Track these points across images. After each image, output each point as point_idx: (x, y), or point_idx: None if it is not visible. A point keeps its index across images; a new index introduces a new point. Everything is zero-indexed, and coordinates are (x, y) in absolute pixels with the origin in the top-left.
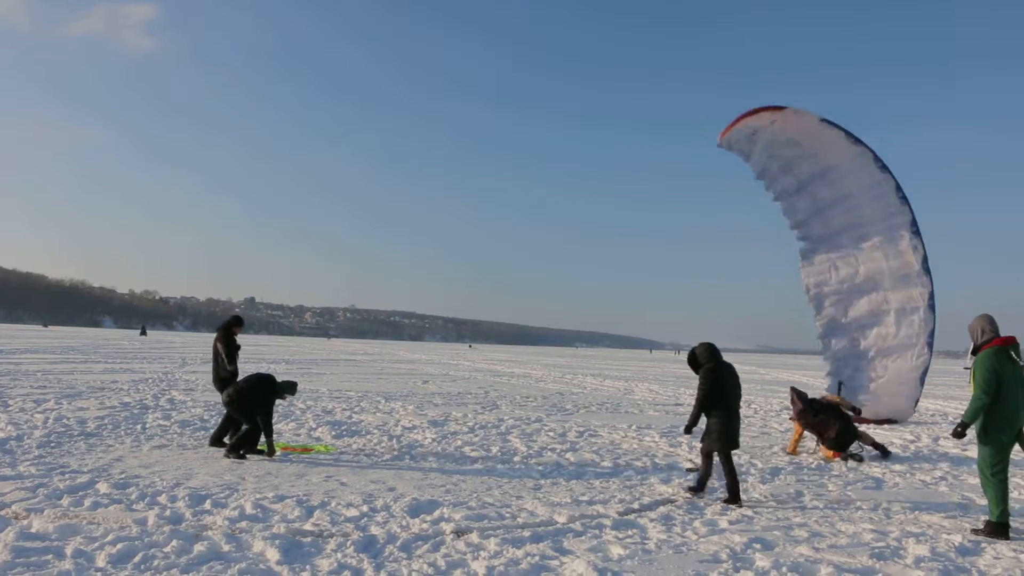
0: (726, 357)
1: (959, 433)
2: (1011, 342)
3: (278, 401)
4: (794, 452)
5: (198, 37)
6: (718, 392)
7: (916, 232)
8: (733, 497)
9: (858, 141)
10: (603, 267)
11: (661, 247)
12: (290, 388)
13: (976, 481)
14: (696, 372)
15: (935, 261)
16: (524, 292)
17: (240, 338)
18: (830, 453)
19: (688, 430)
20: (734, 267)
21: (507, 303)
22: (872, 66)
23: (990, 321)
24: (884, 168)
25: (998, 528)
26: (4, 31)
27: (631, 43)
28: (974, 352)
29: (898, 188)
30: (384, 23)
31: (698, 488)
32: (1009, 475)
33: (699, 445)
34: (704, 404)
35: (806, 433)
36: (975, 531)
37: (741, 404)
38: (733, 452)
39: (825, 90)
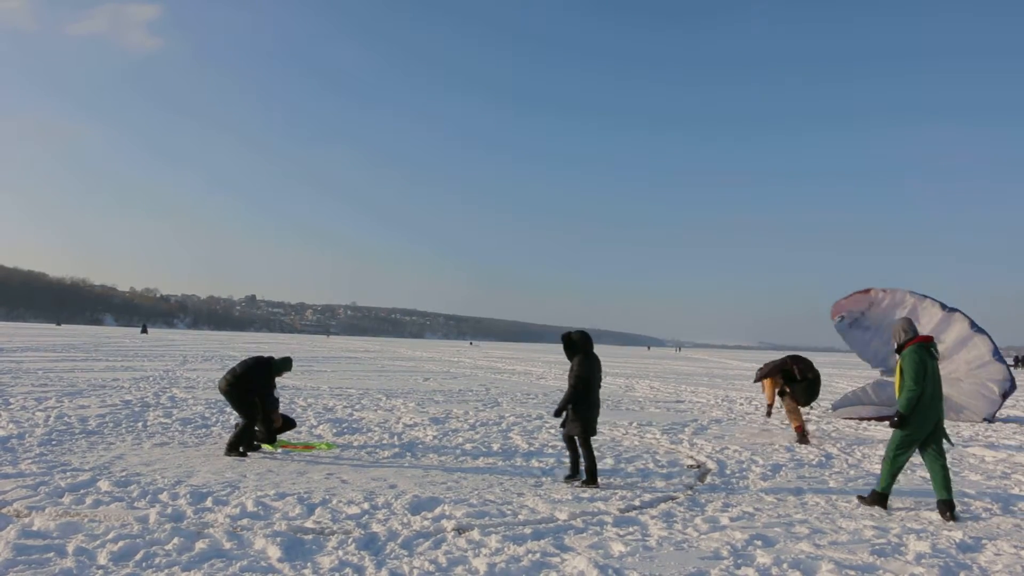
0: (727, 354)
1: (896, 423)
2: (930, 340)
3: (280, 396)
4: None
5: (200, 36)
6: (589, 380)
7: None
8: (591, 479)
9: (953, 309)
10: (605, 264)
11: (663, 244)
12: (287, 364)
13: (976, 478)
14: (570, 357)
15: (947, 261)
16: (525, 289)
17: (240, 335)
18: (796, 425)
19: (558, 414)
20: (735, 264)
21: (508, 300)
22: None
23: (910, 323)
24: (980, 330)
25: (880, 498)
26: (9, 32)
27: (631, 37)
28: (898, 351)
29: (995, 350)
30: (383, 19)
31: (572, 475)
32: (909, 461)
33: (700, 442)
34: (578, 390)
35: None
36: (860, 497)
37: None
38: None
39: (831, 84)
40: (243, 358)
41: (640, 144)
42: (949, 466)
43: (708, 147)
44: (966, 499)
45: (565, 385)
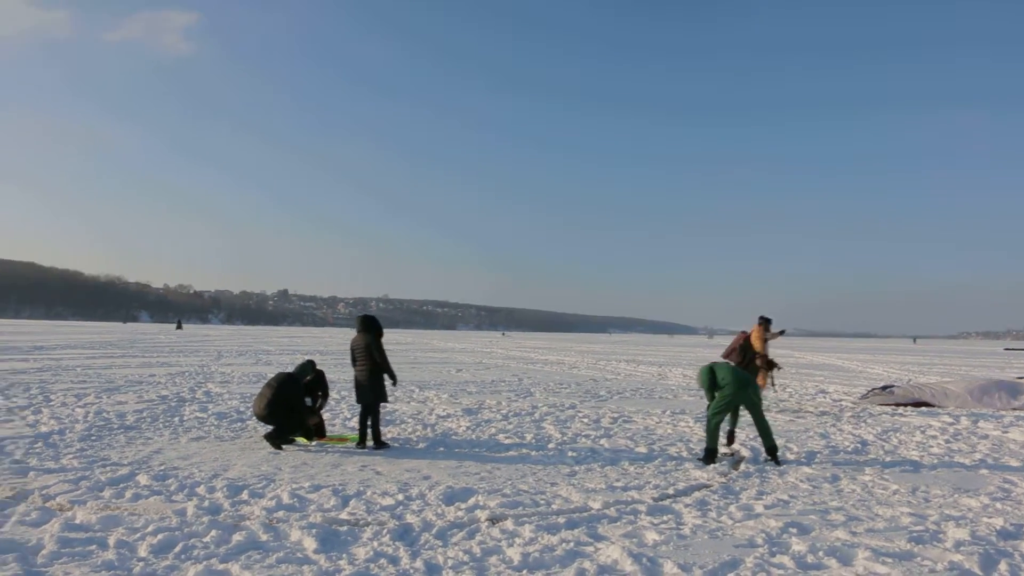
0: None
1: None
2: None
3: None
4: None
5: (233, 39)
6: (352, 355)
7: None
8: (378, 443)
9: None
10: (636, 253)
11: (693, 231)
12: (307, 370)
13: (1016, 463)
14: (370, 333)
15: (959, 247)
16: (557, 279)
17: (274, 330)
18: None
19: (395, 382)
20: (767, 251)
21: (540, 291)
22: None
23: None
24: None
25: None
26: (50, 41)
27: (662, 27)
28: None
29: None
30: (414, 15)
31: (360, 442)
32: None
33: (734, 430)
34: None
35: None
36: (699, 458)
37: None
38: None
39: (854, 70)
40: (272, 372)
41: (672, 131)
42: (988, 453)
43: (739, 132)
44: (1006, 485)
45: (597, 374)
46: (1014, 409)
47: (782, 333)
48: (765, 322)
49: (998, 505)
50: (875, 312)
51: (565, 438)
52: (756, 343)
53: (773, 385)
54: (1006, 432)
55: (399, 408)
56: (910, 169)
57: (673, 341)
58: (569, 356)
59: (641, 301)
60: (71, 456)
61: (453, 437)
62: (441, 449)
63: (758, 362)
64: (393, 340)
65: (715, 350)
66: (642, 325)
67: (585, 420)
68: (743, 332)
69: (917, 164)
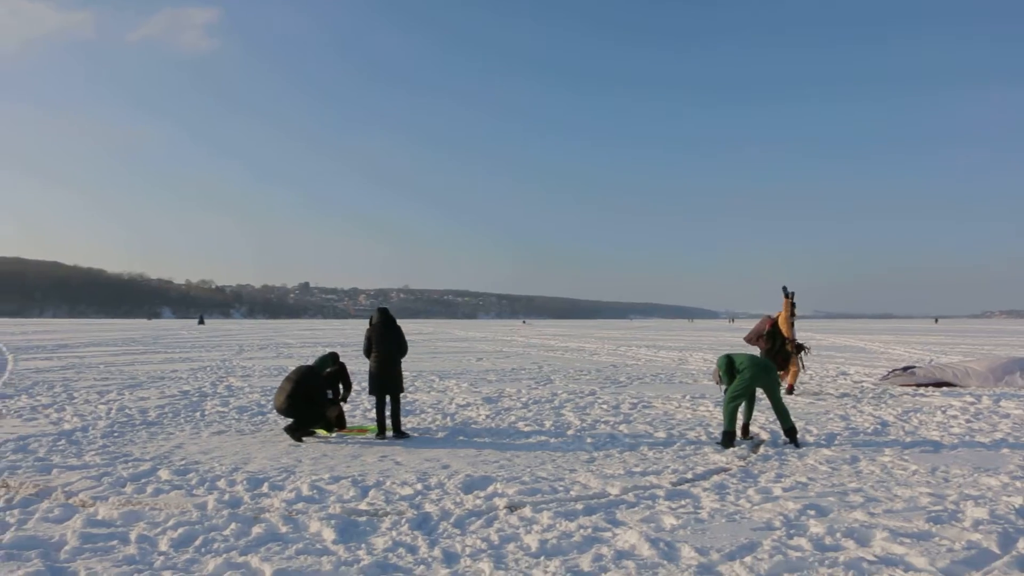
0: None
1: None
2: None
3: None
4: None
5: (254, 35)
6: (370, 345)
7: None
8: (389, 430)
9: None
10: (657, 237)
11: (714, 215)
12: (327, 362)
13: None
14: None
15: (980, 225)
16: (577, 265)
17: (296, 323)
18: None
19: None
20: (788, 234)
21: (560, 277)
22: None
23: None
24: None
25: (727, 436)
26: (75, 42)
27: (679, 11)
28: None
29: None
30: (431, 4)
31: (380, 432)
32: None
33: (754, 414)
34: (364, 353)
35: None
36: (717, 442)
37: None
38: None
39: (864, 47)
40: (293, 365)
41: (687, 115)
42: (1010, 432)
43: (753, 114)
44: None
45: (617, 360)
46: None
47: (801, 349)
48: (790, 298)
49: (1018, 484)
50: (897, 293)
51: (584, 424)
52: (784, 326)
53: (803, 368)
54: None
55: (419, 398)
56: (928, 149)
57: (693, 326)
58: (589, 343)
59: (662, 286)
60: (93, 453)
61: (473, 426)
62: (461, 438)
63: (789, 347)
64: (414, 330)
65: (736, 334)
66: (663, 310)
67: (604, 406)
68: (767, 316)
69: (935, 143)
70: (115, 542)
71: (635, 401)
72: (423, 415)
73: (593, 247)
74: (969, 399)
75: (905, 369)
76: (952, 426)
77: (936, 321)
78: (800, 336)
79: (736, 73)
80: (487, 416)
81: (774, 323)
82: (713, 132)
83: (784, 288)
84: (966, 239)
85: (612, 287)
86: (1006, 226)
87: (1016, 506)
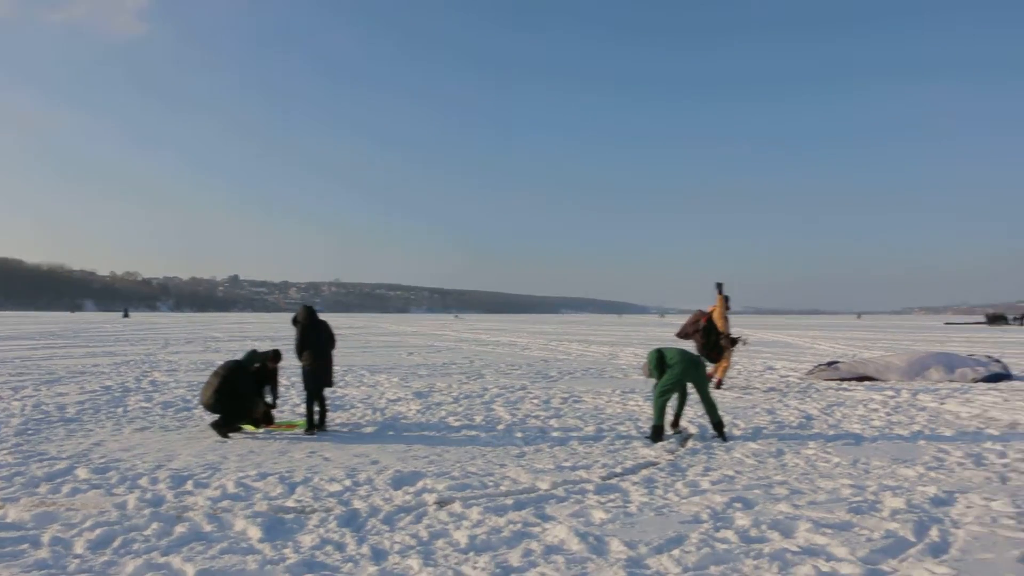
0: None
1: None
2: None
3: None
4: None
5: (188, 21)
6: (303, 343)
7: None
8: (317, 424)
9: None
10: (589, 232)
11: (646, 210)
12: (259, 355)
13: (950, 433)
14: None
15: (903, 227)
16: (509, 260)
17: (224, 316)
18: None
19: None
20: (722, 229)
21: (493, 272)
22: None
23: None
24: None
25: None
26: None
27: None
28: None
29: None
30: None
31: (309, 428)
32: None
33: (685, 410)
34: (297, 351)
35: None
36: (646, 436)
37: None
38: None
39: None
40: (221, 360)
41: (625, 110)
42: (926, 424)
43: (692, 111)
44: (940, 455)
45: (548, 355)
46: (951, 381)
47: (735, 342)
48: (720, 292)
49: (932, 474)
50: (824, 290)
51: (515, 419)
52: (719, 322)
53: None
54: (943, 404)
55: (349, 393)
56: (870, 144)
57: (623, 321)
58: (521, 337)
59: (594, 281)
60: (5, 452)
61: (403, 421)
62: (390, 433)
63: (723, 342)
64: (344, 324)
65: (667, 329)
66: (593, 305)
67: (535, 401)
68: (700, 312)
69: (878, 138)
70: (26, 546)
71: (566, 396)
72: (353, 410)
73: (526, 242)
74: (889, 393)
75: (829, 364)
76: (873, 419)
77: (859, 317)
78: (734, 332)
79: (667, 69)
80: (417, 411)
81: (709, 318)
82: (647, 129)
83: (718, 285)
84: (890, 238)
85: (544, 282)
86: (926, 227)
87: (930, 496)
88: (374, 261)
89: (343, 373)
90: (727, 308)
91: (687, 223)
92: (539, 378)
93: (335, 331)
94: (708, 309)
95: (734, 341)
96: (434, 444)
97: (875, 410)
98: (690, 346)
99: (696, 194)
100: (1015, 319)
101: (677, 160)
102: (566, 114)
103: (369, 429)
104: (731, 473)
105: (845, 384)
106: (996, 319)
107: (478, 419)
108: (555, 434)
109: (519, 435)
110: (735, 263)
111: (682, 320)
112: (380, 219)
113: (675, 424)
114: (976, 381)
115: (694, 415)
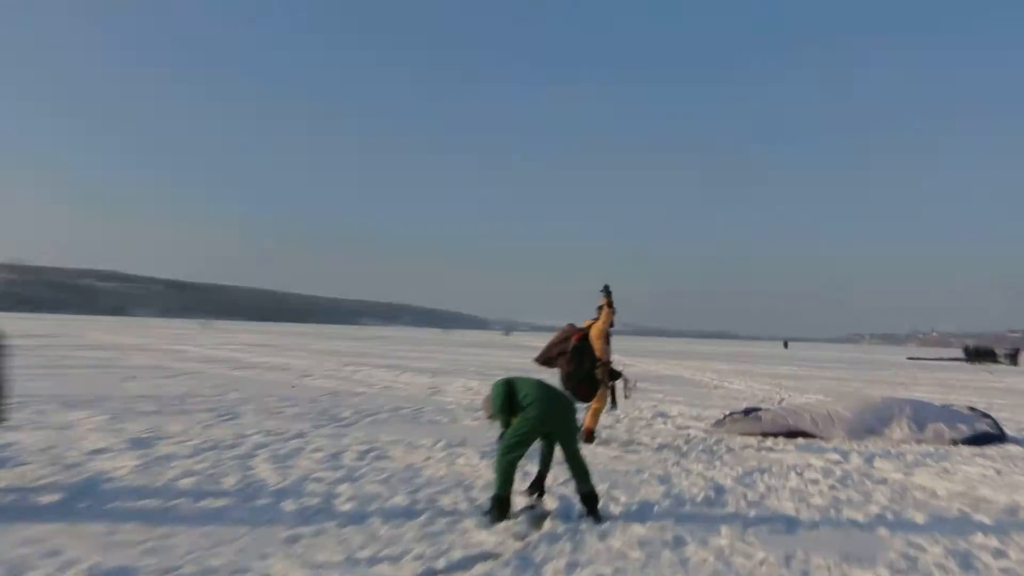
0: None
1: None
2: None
3: None
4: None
5: None
6: None
7: None
8: None
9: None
10: (407, 217)
11: (488, 198)
12: None
13: (924, 519)
14: None
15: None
16: (289, 247)
17: None
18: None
19: None
20: (593, 228)
21: (263, 262)
22: None
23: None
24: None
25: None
26: None
27: None
28: None
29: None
30: None
31: None
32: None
33: (536, 469)
34: None
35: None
36: (484, 512)
37: None
38: None
39: None
40: None
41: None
42: (888, 505)
43: (532, 96)
44: (910, 551)
45: (339, 386)
46: (920, 442)
47: (616, 377)
48: (608, 297)
49: None
50: (735, 308)
51: (286, 483)
52: (597, 342)
53: (613, 406)
54: (910, 475)
55: (20, 439)
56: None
57: (450, 339)
58: (299, 358)
59: (410, 282)
60: None
61: (108, 485)
62: (86, 504)
63: (598, 373)
64: (19, 330)
65: (517, 353)
66: (409, 314)
67: (318, 455)
68: (573, 326)
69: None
70: None
71: (364, 448)
72: (24, 467)
73: (314, 223)
74: (834, 456)
75: (747, 412)
76: (812, 494)
77: (786, 346)
78: (617, 363)
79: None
80: (133, 469)
81: (584, 336)
82: (496, 111)
83: (606, 288)
84: (832, 251)
85: (338, 280)
86: (881, 239)
87: None
88: (78, 236)
89: (14, 408)
90: (611, 324)
91: (549, 215)
92: (325, 420)
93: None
94: (584, 324)
95: (615, 376)
96: (157, 522)
97: (814, 481)
98: (555, 377)
99: (559, 180)
100: (1006, 355)
101: (548, 136)
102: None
103: (50, 498)
104: (608, 572)
105: (770, 441)
106: (980, 355)
107: (230, 482)
108: (346, 507)
109: (292, 508)
110: (613, 268)
111: (536, 340)
112: (87, 167)
113: (538, 488)
114: (956, 443)
115: (554, 482)
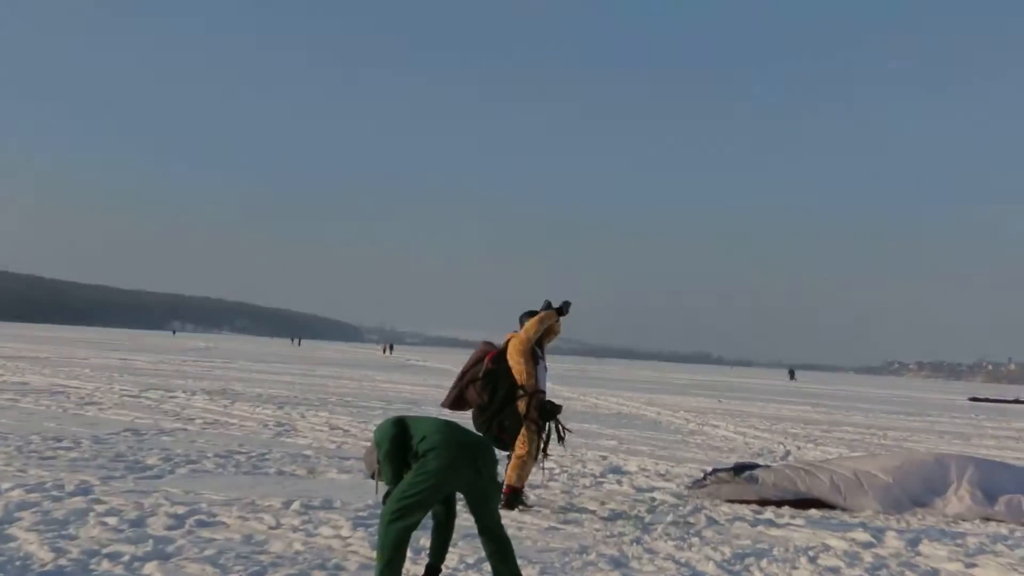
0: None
1: None
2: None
3: None
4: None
5: None
6: None
7: None
8: None
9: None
10: (247, 173)
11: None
12: None
13: None
14: None
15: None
16: (56, 214)
17: None
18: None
19: None
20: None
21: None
22: None
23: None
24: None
25: None
26: None
27: None
28: None
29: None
30: None
31: None
32: None
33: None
34: None
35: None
36: None
37: None
38: None
39: None
40: None
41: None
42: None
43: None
44: None
45: (147, 419)
46: (988, 519)
47: (550, 416)
48: (554, 309)
49: None
50: (716, 325)
51: (64, 563)
52: (517, 362)
53: (544, 455)
54: (972, 565)
55: None
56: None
57: (307, 352)
58: (80, 377)
59: (246, 271)
60: None
61: None
62: None
63: (521, 406)
64: None
65: (407, 375)
66: (245, 316)
67: (111, 520)
68: (489, 344)
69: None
70: None
71: (181, 511)
72: None
73: (92, 182)
74: (862, 536)
75: (739, 469)
76: None
77: (792, 375)
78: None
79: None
80: None
81: (500, 355)
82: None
83: (560, 307)
84: (862, 245)
85: (139, 263)
86: (928, 229)
87: None
88: None
89: None
90: (544, 338)
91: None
92: (121, 469)
93: None
94: (506, 337)
95: (549, 412)
96: None
97: (834, 570)
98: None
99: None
100: None
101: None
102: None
103: None
104: None
105: (770, 512)
106: None
107: None
108: None
109: None
110: (554, 263)
111: (439, 359)
112: None
113: (431, 572)
114: None
115: (460, 565)
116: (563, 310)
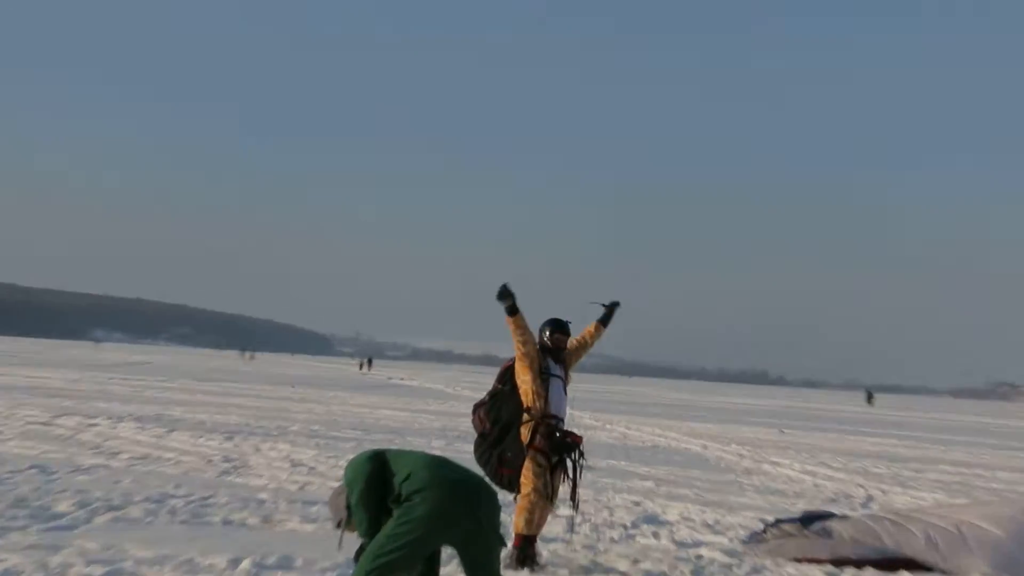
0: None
1: None
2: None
3: None
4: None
5: None
6: None
7: None
8: None
9: None
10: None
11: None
12: None
13: None
14: None
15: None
16: None
17: None
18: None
19: None
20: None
21: None
22: None
23: None
24: None
25: None
26: None
27: None
28: None
29: None
30: None
31: None
32: None
33: None
34: None
35: None
36: None
37: None
38: None
39: None
40: None
41: None
42: None
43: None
44: None
45: (60, 454)
46: None
47: (568, 449)
48: (553, 333)
49: None
50: (783, 335)
51: None
52: (524, 380)
53: (574, 501)
54: None
55: None
56: None
57: (262, 368)
58: None
59: (189, 266)
60: None
61: None
62: None
63: (525, 432)
64: None
65: (390, 398)
66: (186, 323)
67: None
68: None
69: None
70: None
71: (100, 571)
72: None
73: None
74: None
75: (808, 520)
76: None
77: (870, 398)
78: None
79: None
80: None
81: (507, 371)
82: None
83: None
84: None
85: (49, 258)
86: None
87: None
88: None
89: None
90: (560, 348)
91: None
92: (23, 518)
93: None
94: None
95: (563, 443)
96: None
97: None
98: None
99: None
100: None
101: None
102: None
103: None
104: None
105: (849, 572)
106: None
107: None
108: None
109: None
110: (574, 261)
111: (430, 375)
112: None
113: None
114: None
115: None
116: (562, 324)
